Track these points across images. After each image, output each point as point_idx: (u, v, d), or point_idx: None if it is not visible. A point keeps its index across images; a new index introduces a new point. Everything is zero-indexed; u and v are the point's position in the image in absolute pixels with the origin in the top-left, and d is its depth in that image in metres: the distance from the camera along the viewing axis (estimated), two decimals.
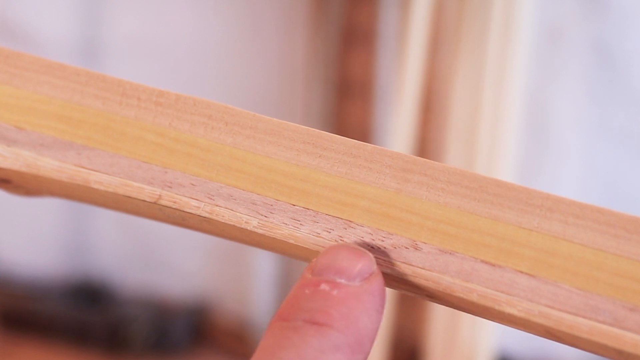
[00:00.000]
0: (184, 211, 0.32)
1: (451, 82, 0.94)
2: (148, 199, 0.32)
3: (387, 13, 1.09)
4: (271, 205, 0.31)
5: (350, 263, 0.29)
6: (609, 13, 1.00)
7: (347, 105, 1.13)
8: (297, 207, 0.31)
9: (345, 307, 0.28)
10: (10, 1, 1.24)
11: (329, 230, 0.30)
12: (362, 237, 0.30)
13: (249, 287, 1.23)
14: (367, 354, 0.28)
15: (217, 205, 0.31)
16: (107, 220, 1.28)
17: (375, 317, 0.28)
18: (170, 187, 0.32)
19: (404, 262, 0.30)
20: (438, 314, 0.96)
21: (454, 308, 0.30)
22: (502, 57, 0.92)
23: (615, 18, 1.00)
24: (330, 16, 1.12)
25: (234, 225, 0.31)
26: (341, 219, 0.30)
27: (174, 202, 0.32)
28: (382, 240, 0.30)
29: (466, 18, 0.92)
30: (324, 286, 0.28)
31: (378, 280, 0.29)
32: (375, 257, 0.30)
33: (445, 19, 0.97)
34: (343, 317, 0.28)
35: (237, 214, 0.31)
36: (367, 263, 0.29)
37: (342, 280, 0.28)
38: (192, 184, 0.32)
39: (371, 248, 0.30)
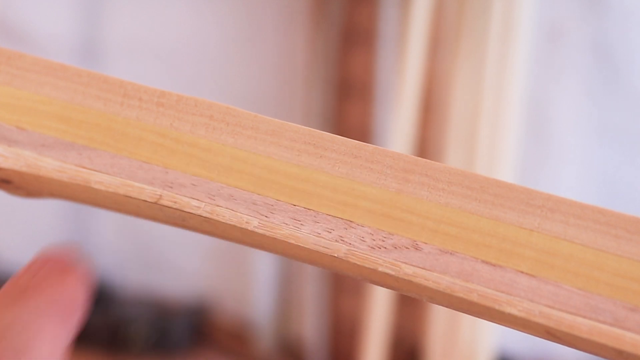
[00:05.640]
0: (184, 211, 0.32)
1: (451, 83, 0.94)
2: (149, 199, 0.32)
3: (387, 13, 1.09)
4: (272, 205, 0.31)
5: None
6: (609, 13, 1.00)
7: (347, 105, 1.13)
8: (298, 208, 0.31)
9: None
10: (10, 1, 1.24)
11: (330, 231, 0.31)
12: (363, 238, 0.30)
13: (249, 287, 1.23)
14: None
15: (217, 206, 0.31)
16: (107, 220, 1.28)
17: None
18: (171, 187, 0.32)
19: (404, 263, 0.30)
20: (438, 314, 0.96)
21: (455, 309, 0.30)
22: (502, 57, 0.92)
23: (616, 18, 1.00)
24: (330, 16, 1.12)
25: (234, 226, 0.31)
26: (342, 219, 0.31)
27: (175, 202, 0.32)
28: (383, 241, 0.30)
29: (466, 18, 0.92)
30: None
31: None
32: (376, 257, 0.30)
33: (445, 19, 0.97)
34: None
35: (238, 214, 0.31)
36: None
37: None
38: (193, 184, 0.32)
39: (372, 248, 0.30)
